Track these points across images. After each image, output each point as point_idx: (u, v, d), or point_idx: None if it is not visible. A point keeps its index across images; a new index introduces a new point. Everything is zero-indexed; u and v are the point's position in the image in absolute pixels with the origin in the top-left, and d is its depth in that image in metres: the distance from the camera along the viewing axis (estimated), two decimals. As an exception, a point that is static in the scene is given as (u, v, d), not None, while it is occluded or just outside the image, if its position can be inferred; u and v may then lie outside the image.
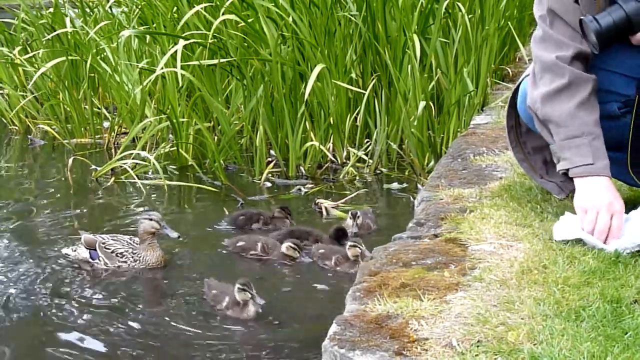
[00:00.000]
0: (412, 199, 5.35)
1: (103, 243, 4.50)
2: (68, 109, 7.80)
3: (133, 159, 6.27)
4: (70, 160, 6.34)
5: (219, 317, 3.83)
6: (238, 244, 4.68)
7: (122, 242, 4.53)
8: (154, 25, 7.43)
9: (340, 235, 4.75)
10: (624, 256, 2.35)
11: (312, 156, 6.40)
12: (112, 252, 4.48)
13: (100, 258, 4.48)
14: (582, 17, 2.54)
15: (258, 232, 4.96)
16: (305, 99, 6.13)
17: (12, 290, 4.13)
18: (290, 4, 6.48)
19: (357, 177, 6.24)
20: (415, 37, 6.14)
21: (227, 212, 5.31)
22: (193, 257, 4.65)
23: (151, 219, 4.46)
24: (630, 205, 2.77)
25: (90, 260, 4.50)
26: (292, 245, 4.55)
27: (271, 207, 5.38)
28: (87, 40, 7.74)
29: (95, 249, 4.49)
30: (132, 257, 4.46)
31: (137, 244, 4.52)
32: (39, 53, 8.42)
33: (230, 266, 4.53)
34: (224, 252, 4.73)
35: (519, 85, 2.90)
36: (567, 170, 2.63)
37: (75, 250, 4.58)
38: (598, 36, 2.49)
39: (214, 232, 5.08)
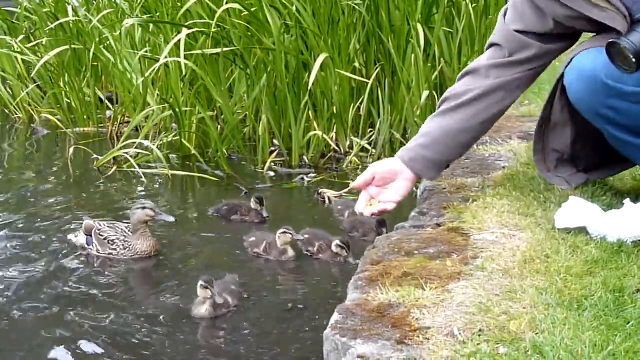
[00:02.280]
0: (414, 188, 5.33)
1: (98, 229, 4.52)
2: (71, 97, 7.79)
3: (135, 147, 6.27)
4: (71, 149, 6.34)
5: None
6: (250, 239, 4.60)
7: (116, 230, 4.53)
8: (157, 13, 7.42)
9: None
10: (627, 245, 2.35)
11: (315, 145, 6.39)
12: (105, 239, 4.49)
13: (94, 244, 4.49)
14: (613, 40, 2.50)
15: (266, 230, 4.80)
16: (308, 88, 6.12)
17: (4, 276, 4.14)
18: (293, -8, 6.47)
19: (360, 167, 6.23)
20: (419, 26, 6.12)
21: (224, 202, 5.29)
22: (190, 246, 4.64)
23: (144, 207, 4.46)
24: (633, 194, 2.77)
25: (86, 246, 4.52)
26: (340, 244, 4.41)
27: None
28: (90, 29, 7.72)
29: (91, 235, 4.51)
30: (123, 244, 4.46)
31: (131, 232, 4.53)
32: (41, 41, 8.41)
33: (227, 256, 4.52)
34: (222, 241, 4.72)
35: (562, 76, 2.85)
36: None
37: (76, 236, 4.60)
38: (636, 56, 2.46)
39: (214, 222, 5.08)
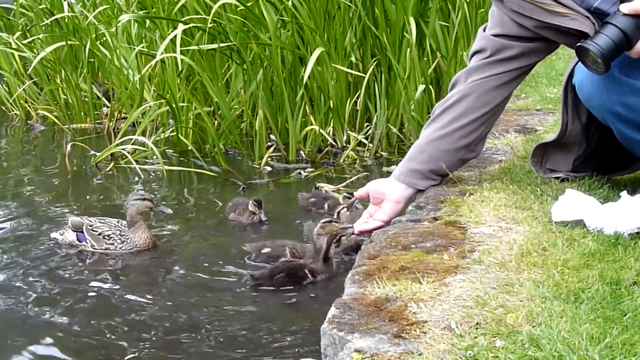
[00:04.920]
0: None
1: (90, 225, 4.48)
2: (68, 94, 7.79)
3: (132, 144, 6.27)
4: (69, 146, 6.33)
5: (210, 298, 3.83)
6: (263, 251, 4.33)
7: (109, 225, 4.51)
8: (154, 9, 7.42)
9: None
10: (624, 238, 2.34)
11: (312, 140, 6.39)
12: (100, 234, 4.47)
13: (87, 240, 4.47)
14: (580, 44, 2.50)
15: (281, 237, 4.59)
16: (304, 83, 6.11)
17: (2, 273, 4.13)
18: (289, -13, 6.47)
19: (357, 161, 6.24)
20: (412, 20, 6.12)
21: (218, 202, 5.27)
22: (188, 241, 4.63)
23: (144, 199, 4.46)
24: (630, 187, 2.76)
25: (77, 242, 4.49)
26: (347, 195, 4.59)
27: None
28: (86, 25, 7.72)
29: (82, 232, 4.48)
30: (120, 239, 4.45)
31: (125, 226, 4.51)
32: (38, 38, 8.41)
33: (223, 252, 4.50)
34: (219, 236, 4.71)
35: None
36: None
37: (62, 234, 4.56)
38: (602, 58, 2.46)
39: (211, 217, 5.08)
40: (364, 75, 6.37)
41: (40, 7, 8.75)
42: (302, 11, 6.41)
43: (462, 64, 6.10)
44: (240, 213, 4.95)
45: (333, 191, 5.45)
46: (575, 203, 2.52)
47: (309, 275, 3.95)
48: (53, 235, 4.60)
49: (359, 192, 3.13)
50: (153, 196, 4.57)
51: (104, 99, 7.85)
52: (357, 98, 6.52)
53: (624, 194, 2.50)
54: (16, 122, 8.14)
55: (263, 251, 4.33)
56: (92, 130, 7.52)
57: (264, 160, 6.20)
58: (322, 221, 4.19)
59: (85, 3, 8.62)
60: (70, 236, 4.52)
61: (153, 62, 6.52)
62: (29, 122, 8.00)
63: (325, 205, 5.07)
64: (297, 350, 3.29)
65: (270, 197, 5.51)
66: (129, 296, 3.88)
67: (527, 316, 1.85)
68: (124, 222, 4.53)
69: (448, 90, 2.99)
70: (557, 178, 2.95)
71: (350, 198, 4.88)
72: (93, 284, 4.04)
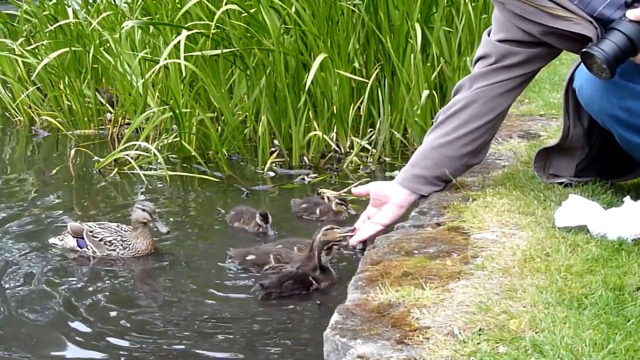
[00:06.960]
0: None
1: (91, 231, 4.48)
2: (71, 100, 7.81)
3: (136, 150, 6.27)
4: (73, 152, 6.34)
5: (213, 303, 3.83)
6: (247, 258, 4.32)
7: (110, 230, 4.50)
8: (157, 15, 7.43)
9: None
10: (627, 244, 2.34)
11: (315, 146, 6.39)
12: (101, 240, 4.46)
13: (89, 246, 4.46)
14: (586, 49, 2.50)
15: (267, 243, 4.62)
16: (307, 89, 6.12)
17: (4, 281, 4.11)
18: (292, -7, 6.47)
19: (361, 167, 6.24)
20: (417, 25, 6.12)
21: (221, 210, 5.27)
22: (188, 247, 4.63)
23: (144, 210, 4.45)
24: (633, 192, 2.76)
25: (78, 248, 4.48)
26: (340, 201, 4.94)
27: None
28: (90, 31, 7.74)
29: (82, 237, 4.47)
30: (122, 244, 4.45)
31: (125, 231, 4.50)
32: (42, 44, 8.43)
33: (224, 258, 4.47)
34: (221, 243, 4.70)
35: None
36: None
37: (62, 240, 4.55)
38: (608, 64, 2.46)
39: (213, 223, 5.07)
40: (367, 80, 6.38)
41: (45, 13, 8.77)
42: (306, 17, 6.42)
43: (465, 70, 6.10)
44: (245, 222, 4.89)
45: (335, 197, 5.44)
46: (578, 208, 2.51)
47: (314, 282, 3.95)
48: (52, 240, 4.59)
49: (358, 190, 3.12)
50: (155, 210, 4.52)
51: (107, 105, 7.87)
52: (361, 103, 6.52)
53: (627, 199, 2.50)
54: (20, 128, 8.15)
55: (248, 258, 4.31)
56: (96, 136, 7.53)
57: (267, 165, 6.21)
58: (324, 228, 4.15)
59: (89, 9, 8.65)
60: (70, 242, 4.51)
61: (156, 68, 6.53)
62: (32, 128, 8.01)
63: (317, 211, 5.08)
64: (300, 357, 3.29)
65: (273, 202, 5.50)
66: (129, 302, 3.89)
67: (530, 322, 1.85)
68: (124, 227, 4.53)
69: (451, 96, 2.99)
70: (560, 183, 2.94)
71: (343, 204, 4.98)
72: (93, 289, 4.03)
